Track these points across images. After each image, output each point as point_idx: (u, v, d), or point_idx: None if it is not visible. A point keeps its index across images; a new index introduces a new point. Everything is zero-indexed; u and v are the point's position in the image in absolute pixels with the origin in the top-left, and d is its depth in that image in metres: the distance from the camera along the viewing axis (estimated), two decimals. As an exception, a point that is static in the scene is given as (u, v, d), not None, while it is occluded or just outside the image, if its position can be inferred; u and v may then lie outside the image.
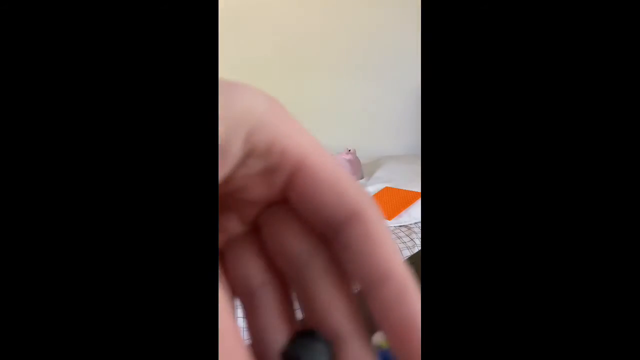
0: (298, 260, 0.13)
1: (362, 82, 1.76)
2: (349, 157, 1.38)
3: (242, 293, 0.13)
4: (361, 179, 1.38)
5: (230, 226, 0.14)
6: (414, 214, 1.00)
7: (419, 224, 0.98)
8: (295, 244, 0.13)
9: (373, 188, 1.21)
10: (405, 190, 1.14)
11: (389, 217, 1.00)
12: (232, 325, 0.10)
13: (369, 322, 0.12)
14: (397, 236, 0.92)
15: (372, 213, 0.12)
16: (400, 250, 0.84)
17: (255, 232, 0.14)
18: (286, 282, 0.14)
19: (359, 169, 1.40)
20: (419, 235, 0.92)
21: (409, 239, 0.90)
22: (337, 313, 0.12)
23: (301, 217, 0.13)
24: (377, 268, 0.11)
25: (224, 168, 0.12)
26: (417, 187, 1.12)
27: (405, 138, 1.85)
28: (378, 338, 0.25)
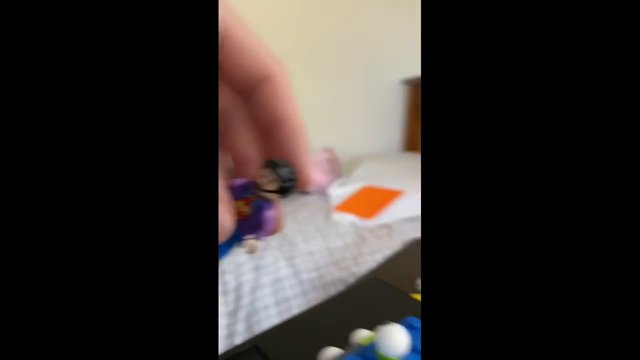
0: (225, 113, 0.17)
1: (339, 80, 1.74)
2: (326, 156, 1.35)
3: None
4: (340, 177, 1.35)
5: None
6: (393, 212, 0.99)
7: (398, 222, 0.97)
8: (221, 100, 0.16)
9: (352, 187, 1.19)
10: (384, 188, 1.12)
11: (369, 216, 0.98)
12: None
13: None
14: (376, 235, 0.90)
15: (281, 76, 0.16)
16: (381, 250, 0.82)
17: None
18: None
19: (338, 167, 1.37)
20: (399, 234, 0.90)
21: (389, 238, 0.88)
22: (251, 148, 0.17)
23: (225, 82, 0.16)
24: (279, 115, 0.16)
25: None
26: (396, 185, 1.11)
27: (383, 136, 1.84)
28: (356, 338, 0.23)
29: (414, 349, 0.21)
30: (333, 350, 0.23)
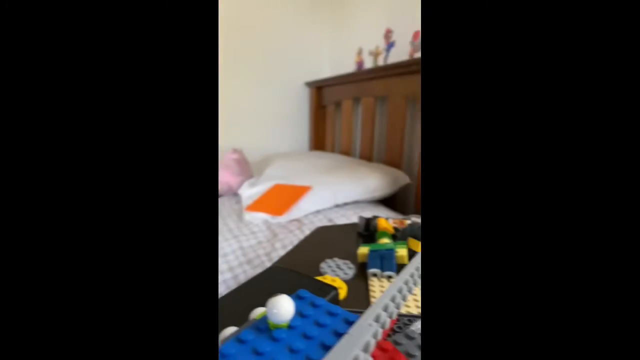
0: None
1: (247, 80, 1.74)
2: (235, 156, 1.34)
3: None
4: (250, 178, 1.36)
5: None
6: (303, 206, 1.03)
7: (308, 216, 1.02)
8: None
9: (263, 186, 1.20)
10: (294, 185, 1.16)
11: (280, 213, 1.01)
12: None
13: None
14: (288, 230, 0.94)
15: None
16: (293, 243, 0.86)
17: None
18: None
19: (247, 168, 1.38)
20: (308, 226, 0.95)
21: (300, 231, 0.92)
22: None
23: None
24: None
25: None
26: (305, 182, 1.16)
27: (291, 136, 1.89)
28: (253, 315, 0.25)
29: (299, 314, 0.24)
30: (231, 329, 0.25)
